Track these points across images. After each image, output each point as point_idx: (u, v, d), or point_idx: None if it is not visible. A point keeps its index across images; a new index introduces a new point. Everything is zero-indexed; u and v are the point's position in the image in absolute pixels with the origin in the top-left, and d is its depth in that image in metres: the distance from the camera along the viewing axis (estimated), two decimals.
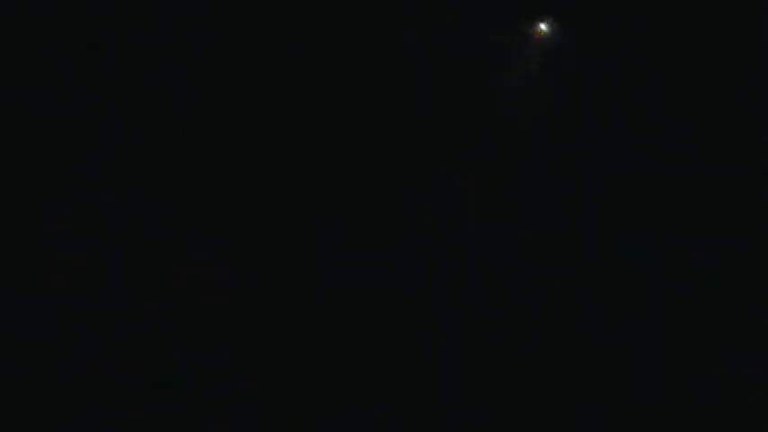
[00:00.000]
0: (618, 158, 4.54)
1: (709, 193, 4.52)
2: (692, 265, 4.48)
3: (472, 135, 4.60)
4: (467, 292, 4.50)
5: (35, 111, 4.44)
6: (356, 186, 4.54)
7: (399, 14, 4.55)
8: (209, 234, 4.47)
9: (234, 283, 4.44)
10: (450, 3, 4.56)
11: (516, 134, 4.62)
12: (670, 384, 4.41)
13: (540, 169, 4.60)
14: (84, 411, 4.27)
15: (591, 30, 4.60)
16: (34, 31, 4.45)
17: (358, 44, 4.55)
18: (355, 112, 4.55)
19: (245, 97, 4.53)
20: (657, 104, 4.56)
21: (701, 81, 4.55)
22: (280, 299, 4.45)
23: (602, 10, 4.58)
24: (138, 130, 4.49)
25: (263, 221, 4.49)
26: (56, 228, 4.38)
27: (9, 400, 4.24)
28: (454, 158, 4.59)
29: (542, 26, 4.44)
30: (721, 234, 4.50)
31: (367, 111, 4.56)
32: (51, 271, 4.36)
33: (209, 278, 4.43)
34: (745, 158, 4.53)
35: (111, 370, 4.31)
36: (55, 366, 4.29)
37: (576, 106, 4.59)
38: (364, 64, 4.56)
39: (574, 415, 4.40)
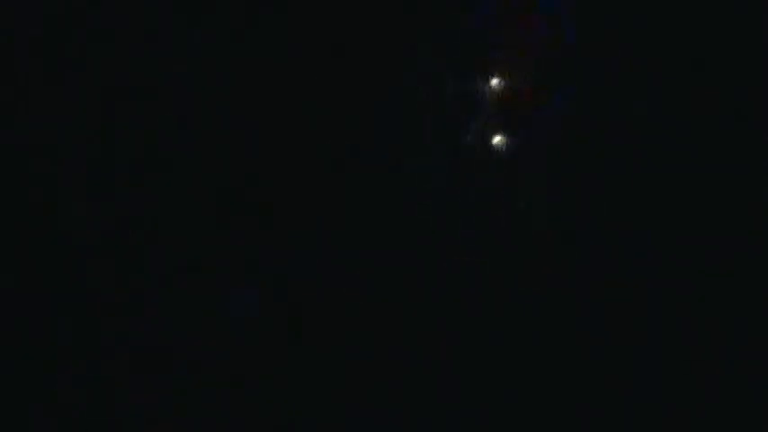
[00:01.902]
0: (617, 158, 4.54)
1: (709, 193, 4.52)
2: (692, 265, 4.48)
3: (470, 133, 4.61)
4: (466, 292, 4.50)
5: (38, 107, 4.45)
6: (356, 185, 4.54)
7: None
8: (207, 233, 4.48)
9: (233, 283, 4.45)
10: None
11: (516, 133, 4.62)
12: (670, 384, 4.42)
13: (538, 168, 4.60)
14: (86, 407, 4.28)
15: (591, 29, 4.60)
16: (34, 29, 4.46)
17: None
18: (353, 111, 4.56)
19: (244, 97, 4.54)
20: (657, 104, 4.56)
21: (701, 81, 4.54)
22: (280, 299, 4.45)
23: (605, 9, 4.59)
24: (137, 130, 4.50)
25: (261, 220, 4.50)
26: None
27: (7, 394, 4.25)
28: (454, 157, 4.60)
29: None
30: (721, 234, 4.49)
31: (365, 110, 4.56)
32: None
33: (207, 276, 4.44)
34: (745, 158, 4.53)
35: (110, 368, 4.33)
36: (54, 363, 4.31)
37: (575, 105, 4.59)
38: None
39: (574, 415, 4.40)
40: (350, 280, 4.46)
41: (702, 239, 4.49)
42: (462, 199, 4.58)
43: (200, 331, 4.40)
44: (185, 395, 4.35)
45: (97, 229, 4.41)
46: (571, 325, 4.46)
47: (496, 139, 4.61)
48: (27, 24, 4.45)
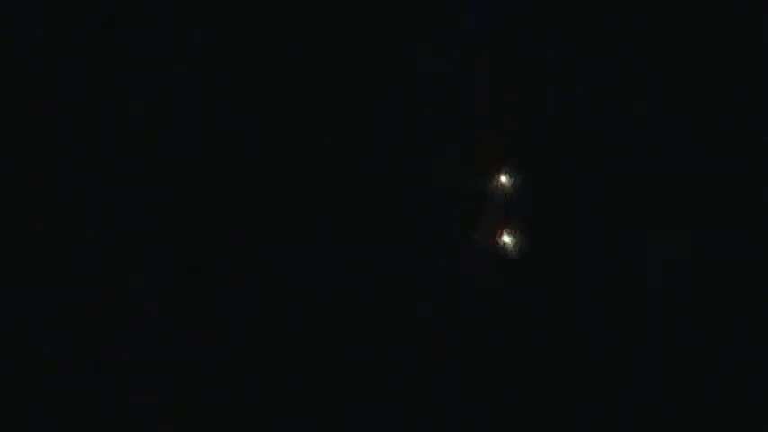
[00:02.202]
0: (617, 158, 4.54)
1: (709, 193, 4.52)
2: (693, 265, 4.47)
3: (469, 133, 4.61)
4: (466, 292, 4.50)
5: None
6: (356, 185, 4.54)
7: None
8: (207, 232, 4.48)
9: (233, 283, 4.45)
10: None
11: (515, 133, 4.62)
12: (670, 384, 4.41)
13: (537, 168, 4.60)
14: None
15: (591, 29, 4.60)
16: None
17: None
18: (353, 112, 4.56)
19: (244, 97, 4.54)
20: (657, 104, 4.56)
21: (701, 81, 4.54)
22: (280, 299, 4.45)
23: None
24: (137, 130, 4.50)
25: (261, 220, 4.49)
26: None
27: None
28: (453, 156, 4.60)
29: None
30: (721, 234, 4.49)
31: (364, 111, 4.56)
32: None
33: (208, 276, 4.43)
34: (745, 158, 4.53)
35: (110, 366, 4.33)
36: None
37: (575, 105, 4.59)
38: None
39: (574, 415, 4.40)
40: (350, 280, 4.46)
41: (702, 239, 4.49)
42: (461, 198, 4.58)
43: (200, 331, 4.39)
44: (185, 395, 4.35)
45: (97, 229, 4.41)
46: (571, 325, 4.46)
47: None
48: (27, 24, 4.45)
